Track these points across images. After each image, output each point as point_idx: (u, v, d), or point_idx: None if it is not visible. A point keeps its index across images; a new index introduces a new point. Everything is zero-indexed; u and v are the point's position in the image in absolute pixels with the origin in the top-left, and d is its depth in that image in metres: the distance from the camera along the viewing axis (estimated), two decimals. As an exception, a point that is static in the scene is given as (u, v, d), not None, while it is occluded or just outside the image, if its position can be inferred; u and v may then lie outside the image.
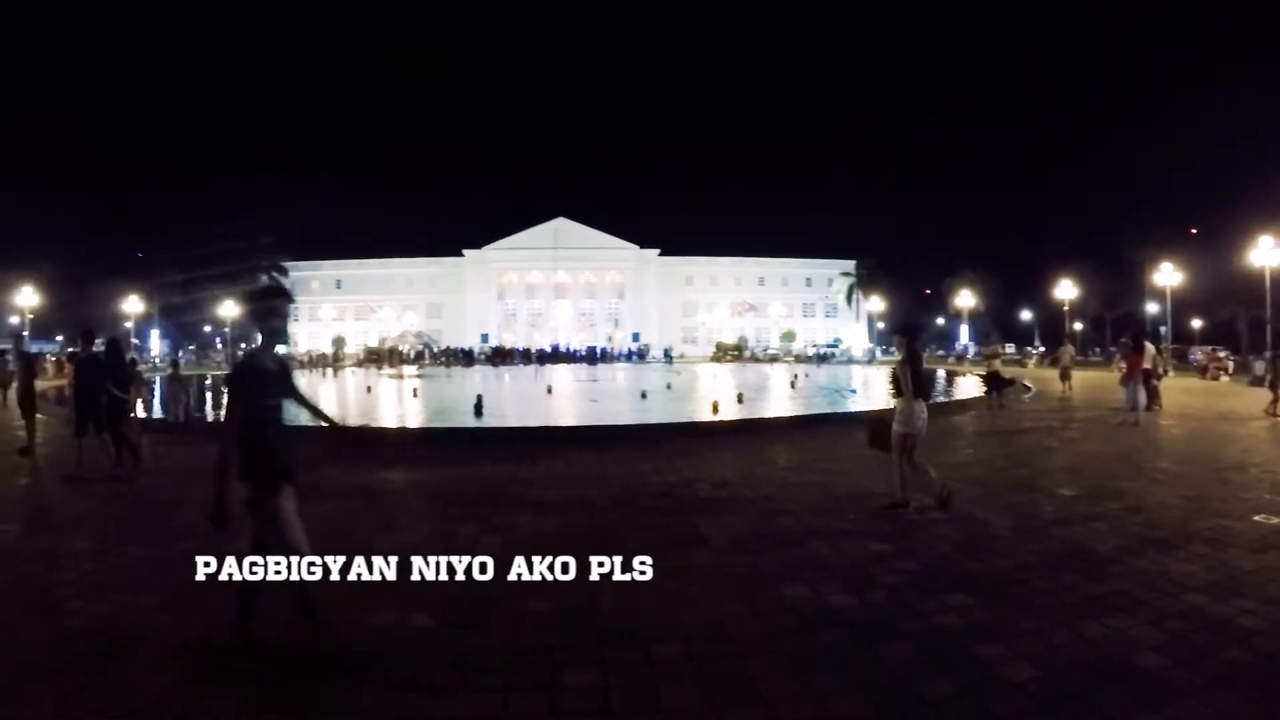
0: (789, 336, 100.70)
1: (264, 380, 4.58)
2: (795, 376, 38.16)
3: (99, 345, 12.79)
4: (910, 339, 8.83)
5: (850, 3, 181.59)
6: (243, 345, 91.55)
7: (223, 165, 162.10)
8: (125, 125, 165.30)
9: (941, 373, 45.59)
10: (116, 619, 5.50)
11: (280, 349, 4.77)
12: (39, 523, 8.92)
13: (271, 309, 4.68)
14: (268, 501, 4.51)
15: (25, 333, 55.94)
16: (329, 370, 62.56)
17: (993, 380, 22.88)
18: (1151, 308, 74.39)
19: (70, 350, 33.74)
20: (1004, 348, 37.10)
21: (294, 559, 4.54)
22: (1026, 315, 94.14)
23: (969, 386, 30.33)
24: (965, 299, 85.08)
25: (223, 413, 4.49)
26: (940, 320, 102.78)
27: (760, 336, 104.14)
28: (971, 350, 78.19)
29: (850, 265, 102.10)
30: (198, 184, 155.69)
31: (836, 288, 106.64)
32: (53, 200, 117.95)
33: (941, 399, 24.66)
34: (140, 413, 15.79)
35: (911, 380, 8.48)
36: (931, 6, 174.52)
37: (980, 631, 4.97)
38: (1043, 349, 72.10)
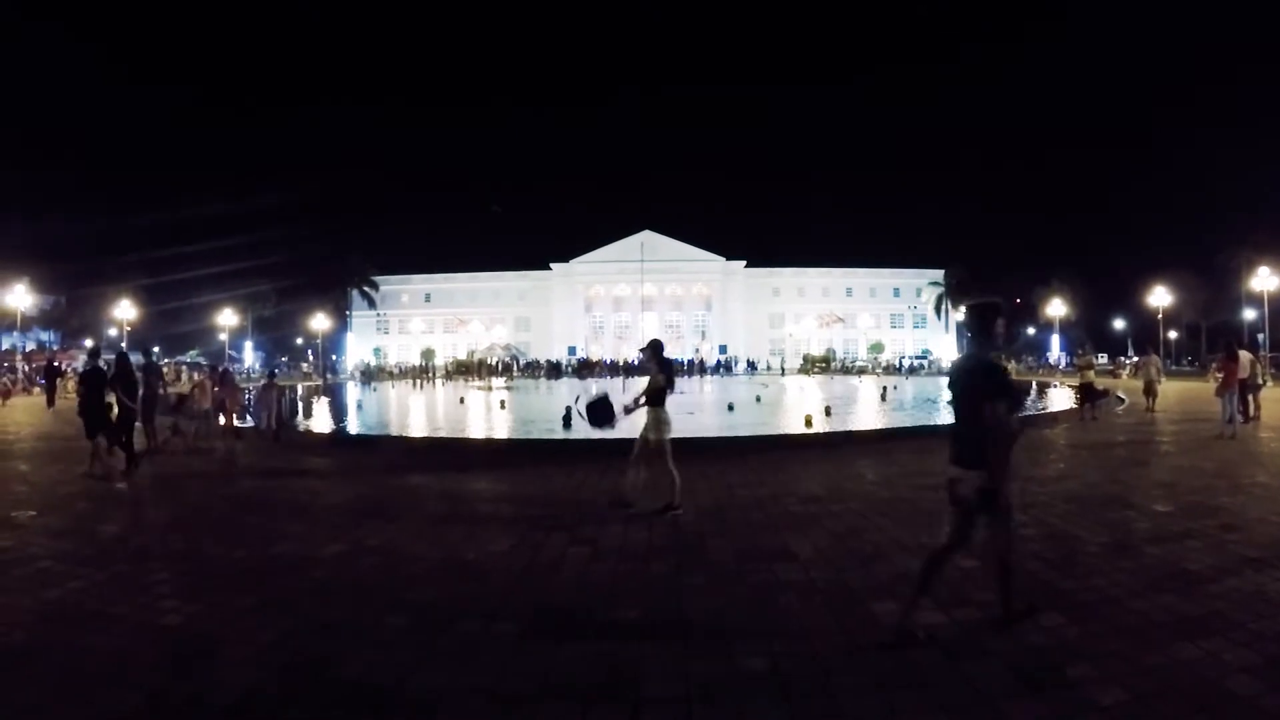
0: (877, 348, 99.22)
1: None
2: (885, 389, 37.58)
3: (104, 360, 14.25)
4: (657, 351, 9.58)
5: (930, 25, 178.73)
6: (333, 356, 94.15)
7: (316, 181, 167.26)
8: (220, 141, 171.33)
9: (1033, 384, 44.56)
10: (208, 619, 5.70)
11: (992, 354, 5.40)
12: (135, 522, 9.33)
13: (990, 318, 5.27)
14: (1000, 491, 4.93)
15: (155, 347, 58.68)
16: (420, 382, 63.73)
17: (1086, 392, 22.20)
18: (1249, 314, 71.25)
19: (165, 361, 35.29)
20: (1097, 358, 35.50)
21: (1008, 547, 5.15)
22: (1119, 324, 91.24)
23: (1061, 399, 29.50)
24: (1057, 308, 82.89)
25: (997, 410, 4.89)
26: (1031, 330, 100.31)
27: (848, 348, 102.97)
28: (1064, 361, 76.13)
29: (939, 275, 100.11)
30: (292, 199, 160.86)
31: (925, 298, 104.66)
32: (147, 215, 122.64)
33: (1032, 411, 24.04)
34: (235, 420, 16.48)
35: (659, 391, 9.34)
36: (1022, 19, 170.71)
37: (1070, 651, 4.84)
38: (1135, 359, 69.52)
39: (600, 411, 10.37)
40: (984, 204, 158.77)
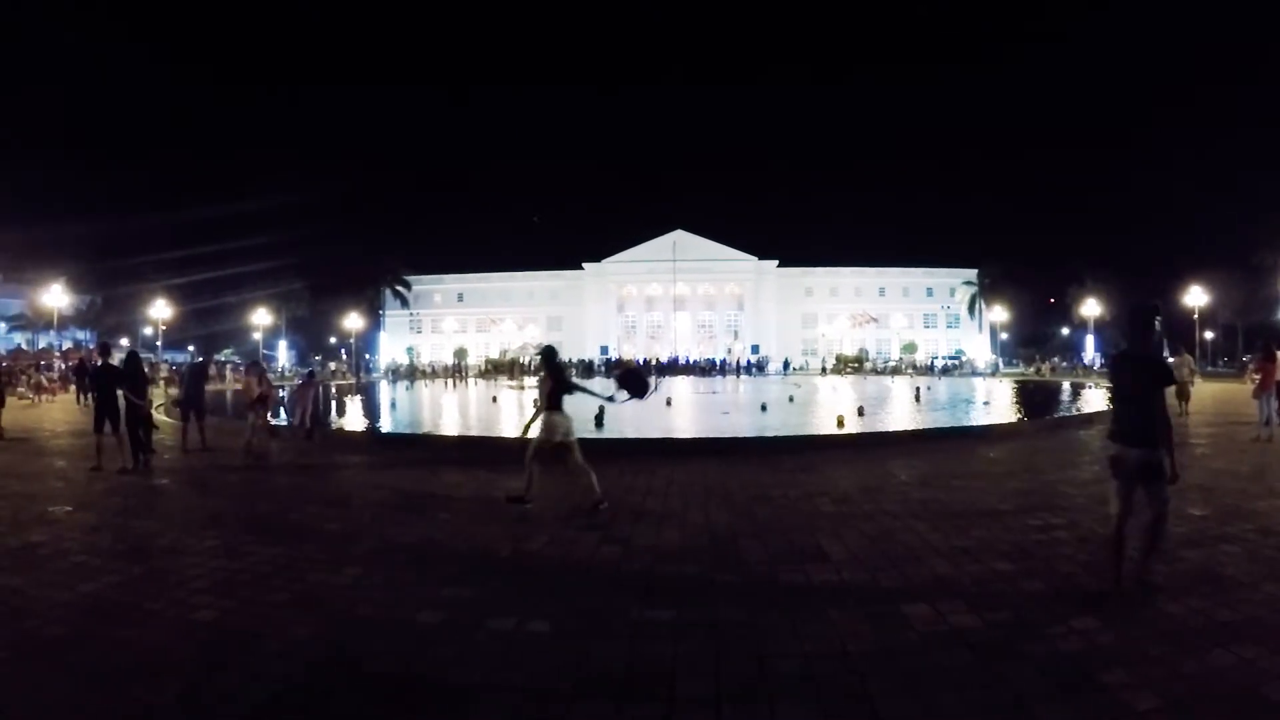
0: (910, 348, 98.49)
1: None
2: (918, 389, 37.36)
3: (115, 358, 14.72)
4: (549, 357, 10.21)
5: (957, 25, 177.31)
6: (366, 355, 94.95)
7: (348, 180, 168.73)
8: (250, 139, 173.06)
9: (1066, 385, 44.10)
10: (242, 614, 5.79)
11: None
12: (170, 518, 9.46)
13: (1150, 319, 6.10)
14: (1164, 464, 5.70)
15: (190, 346, 59.62)
16: (453, 381, 64.09)
17: None
18: (1287, 313, 70.05)
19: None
20: None
21: (1161, 523, 5.90)
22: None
23: (1096, 400, 29.17)
24: (1091, 308, 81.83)
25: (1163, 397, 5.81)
26: (1065, 330, 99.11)
27: (881, 348, 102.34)
28: (1098, 362, 75.20)
29: (973, 274, 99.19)
30: (325, 199, 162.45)
31: (959, 297, 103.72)
32: (180, 212, 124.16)
33: (1067, 413, 23.83)
34: (270, 418, 16.73)
35: (550, 394, 9.69)
36: (1053, 20, 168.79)
37: (1105, 656, 4.81)
38: (1170, 360, 67.90)
39: (634, 381, 10.92)
40: (1018, 202, 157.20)
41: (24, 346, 71.07)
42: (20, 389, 35.88)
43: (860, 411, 23.17)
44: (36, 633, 5.42)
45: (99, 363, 14.85)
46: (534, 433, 9.81)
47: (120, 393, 13.51)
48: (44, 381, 40.15)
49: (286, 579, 6.67)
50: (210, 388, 21.25)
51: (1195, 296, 63.99)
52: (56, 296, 58.61)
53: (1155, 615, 5.48)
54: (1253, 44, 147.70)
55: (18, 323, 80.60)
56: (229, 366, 70.16)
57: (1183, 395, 22.23)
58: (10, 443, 17.81)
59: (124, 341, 78.89)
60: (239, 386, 22.41)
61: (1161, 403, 5.72)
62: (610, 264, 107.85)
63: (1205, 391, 26.60)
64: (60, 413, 28.07)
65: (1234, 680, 4.47)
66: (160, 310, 68.71)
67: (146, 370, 16.95)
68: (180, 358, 76.78)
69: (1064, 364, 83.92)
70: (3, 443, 17.73)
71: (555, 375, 9.93)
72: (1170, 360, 26.68)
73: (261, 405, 16.14)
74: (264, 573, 6.85)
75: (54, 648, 5.16)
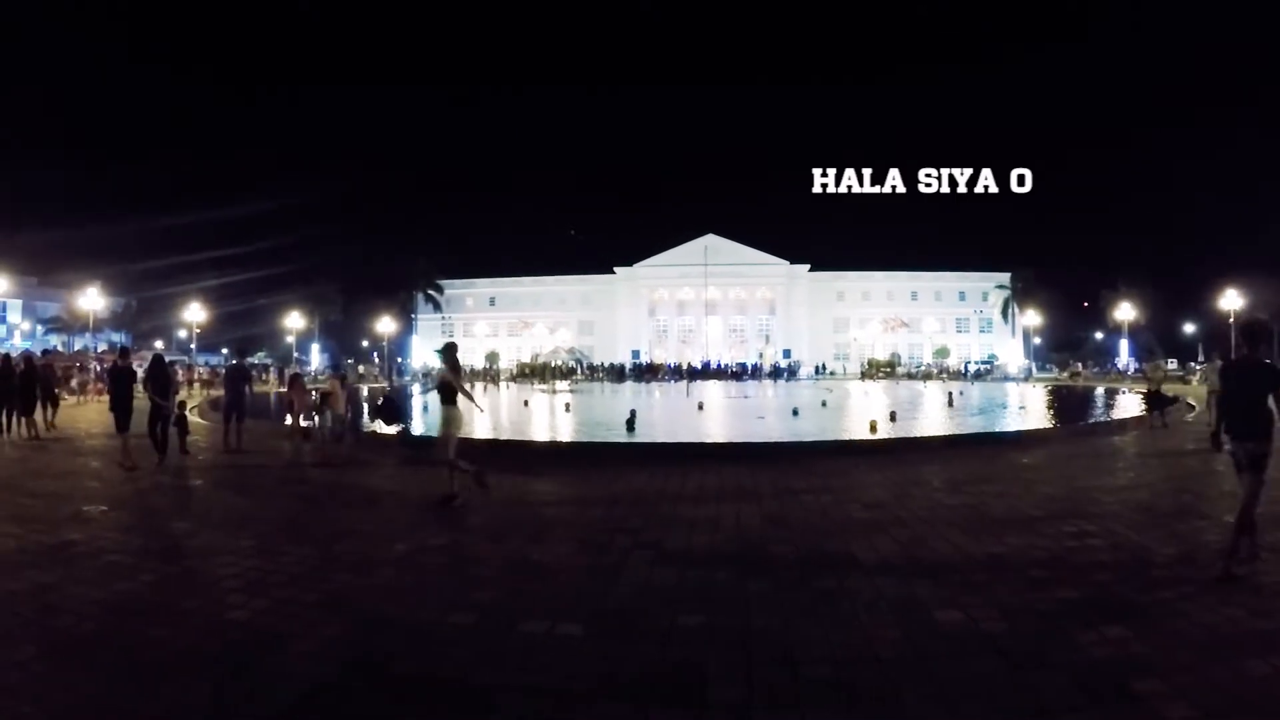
0: (942, 353, 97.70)
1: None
2: (950, 394, 37.10)
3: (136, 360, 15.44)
4: (448, 353, 10.68)
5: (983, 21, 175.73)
6: (398, 359, 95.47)
7: (382, 184, 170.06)
8: (284, 141, 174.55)
9: (1100, 390, 43.60)
10: (273, 614, 5.87)
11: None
12: (203, 518, 9.59)
13: (1263, 331, 7.33)
14: (1267, 456, 6.55)
15: (230, 350, 60.24)
16: (484, 385, 64.34)
17: (1154, 399, 21.47)
18: (1328, 317, 68.40)
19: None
20: (1167, 364, 33.46)
21: (1254, 500, 6.60)
22: (1189, 328, 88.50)
23: (1129, 405, 28.83)
24: (1125, 312, 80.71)
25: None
26: (1099, 335, 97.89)
27: (913, 353, 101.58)
28: (1132, 366, 74.26)
29: (1005, 278, 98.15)
30: (357, 203, 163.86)
31: (991, 301, 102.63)
32: (213, 219, 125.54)
33: (1101, 419, 23.59)
34: (303, 420, 16.93)
35: (444, 390, 10.37)
36: (1087, 15, 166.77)
37: (1137, 665, 4.75)
38: (1203, 365, 66.38)
39: (387, 410, 12.88)
40: (1050, 205, 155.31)
41: (60, 348, 72.08)
42: (59, 390, 36.54)
43: (892, 417, 23.05)
44: (70, 630, 5.51)
45: (117, 364, 15.64)
46: (444, 431, 10.28)
47: (146, 393, 14.05)
48: (87, 382, 40.73)
49: (317, 579, 6.76)
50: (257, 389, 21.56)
51: (1231, 300, 62.63)
52: (93, 299, 59.26)
53: (1190, 624, 5.42)
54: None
55: (54, 325, 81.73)
56: (268, 369, 70.88)
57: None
58: (47, 442, 18.15)
59: (158, 344, 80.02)
60: (281, 390, 22.69)
61: (1265, 403, 6.51)
62: (642, 268, 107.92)
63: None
64: (96, 414, 28.45)
65: (1269, 690, 4.41)
66: (195, 313, 69.50)
67: (180, 373, 17.42)
68: (214, 360, 77.64)
69: (1097, 369, 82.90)
70: (39, 442, 18.07)
71: (454, 372, 10.50)
72: (1203, 366, 25.79)
73: (290, 411, 16.40)
74: (295, 573, 6.95)
75: (87, 645, 5.24)
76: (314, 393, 16.81)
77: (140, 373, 18.71)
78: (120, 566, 7.19)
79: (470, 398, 10.92)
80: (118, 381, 14.72)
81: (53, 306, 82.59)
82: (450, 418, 10.26)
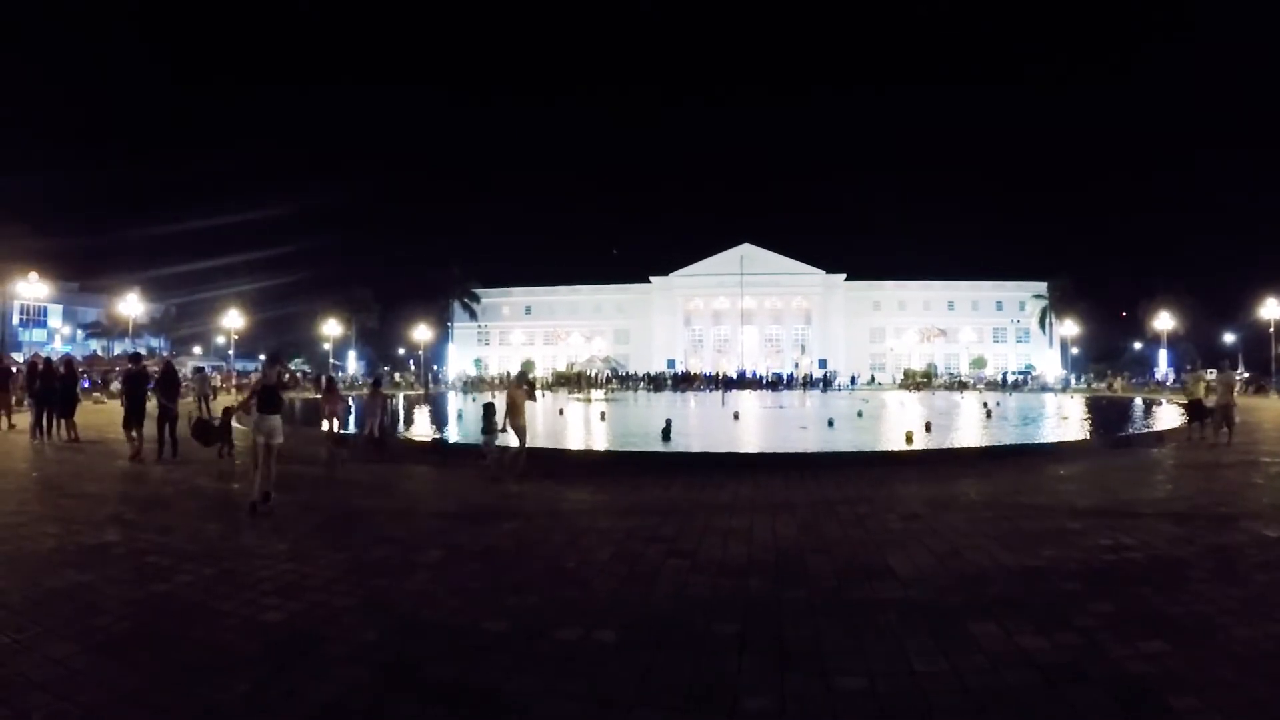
0: (979, 363, 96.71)
1: None
2: (987, 405, 36.75)
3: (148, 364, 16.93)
4: (271, 362, 10.79)
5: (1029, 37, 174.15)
6: (435, 367, 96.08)
7: (420, 192, 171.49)
8: (324, 155, 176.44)
9: (1139, 401, 43.01)
10: (309, 617, 5.95)
11: None
12: (240, 522, 9.69)
13: None
14: None
15: (261, 355, 61.00)
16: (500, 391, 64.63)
17: (1195, 409, 20.77)
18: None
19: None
20: (1207, 374, 32.52)
21: None
22: (1229, 338, 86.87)
23: (1169, 416, 28.40)
24: (1164, 321, 79.45)
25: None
26: (1138, 345, 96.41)
27: (949, 363, 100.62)
28: (1171, 377, 73.12)
29: (1043, 287, 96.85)
30: (395, 213, 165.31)
31: (1029, 311, 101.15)
32: (253, 227, 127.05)
33: (1139, 430, 23.28)
34: (335, 426, 17.10)
35: (262, 398, 10.48)
36: (1132, 28, 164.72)
37: (1176, 681, 4.70)
38: (1245, 374, 64.39)
39: (201, 431, 14.10)
40: (1089, 214, 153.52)
41: (99, 353, 73.25)
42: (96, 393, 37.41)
43: (928, 427, 22.91)
44: (108, 629, 5.61)
45: (130, 369, 17.01)
46: (253, 436, 10.59)
47: (156, 397, 15.15)
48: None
49: (353, 583, 6.84)
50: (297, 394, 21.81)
51: (1271, 309, 61.24)
52: (132, 305, 60.04)
53: (1229, 639, 5.34)
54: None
55: (94, 330, 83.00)
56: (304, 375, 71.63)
57: (1226, 420, 18.98)
58: (84, 444, 18.44)
59: (196, 350, 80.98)
60: (317, 397, 22.93)
61: None
62: (677, 277, 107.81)
63: (1274, 411, 25.46)
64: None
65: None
66: (233, 319, 70.36)
67: (218, 379, 18.32)
68: (251, 366, 78.55)
69: (1136, 380, 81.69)
70: (78, 445, 18.36)
71: (276, 380, 10.66)
72: (1211, 378, 24.98)
73: (325, 417, 16.64)
74: (331, 577, 7.03)
75: (124, 644, 5.34)
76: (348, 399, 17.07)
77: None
78: (158, 567, 7.31)
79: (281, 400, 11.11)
80: (131, 384, 16.13)
81: (92, 312, 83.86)
82: (265, 426, 10.39)
